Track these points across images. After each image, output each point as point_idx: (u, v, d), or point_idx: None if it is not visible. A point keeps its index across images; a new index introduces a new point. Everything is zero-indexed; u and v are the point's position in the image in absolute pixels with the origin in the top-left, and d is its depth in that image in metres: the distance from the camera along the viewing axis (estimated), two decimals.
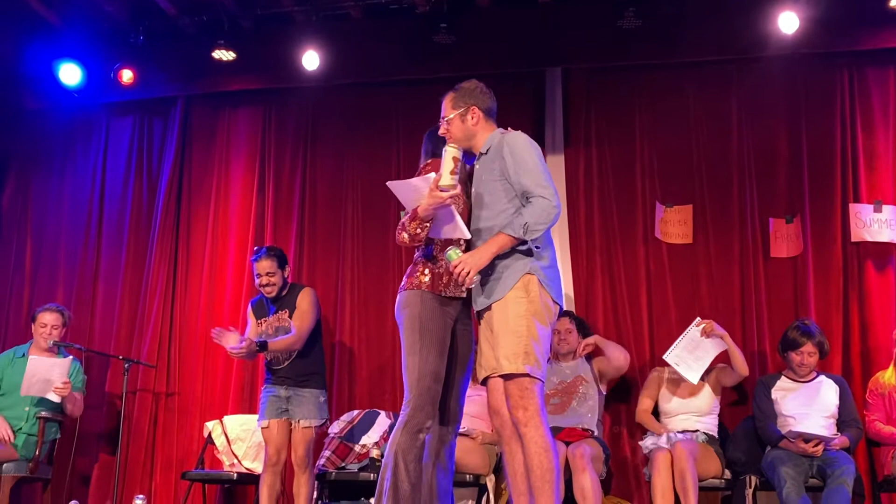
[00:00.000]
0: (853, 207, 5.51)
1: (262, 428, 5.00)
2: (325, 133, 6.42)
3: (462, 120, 3.60)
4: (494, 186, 3.50)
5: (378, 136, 6.22)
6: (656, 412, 5.23)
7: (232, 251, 6.39)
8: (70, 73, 6.35)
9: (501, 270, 3.42)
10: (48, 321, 5.50)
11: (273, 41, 6.22)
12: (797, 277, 5.57)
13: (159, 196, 6.49)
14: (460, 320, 3.62)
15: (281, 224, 6.34)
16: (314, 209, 6.31)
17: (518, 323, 3.37)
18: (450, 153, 3.41)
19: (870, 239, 5.44)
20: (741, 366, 5.00)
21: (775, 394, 4.99)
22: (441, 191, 3.34)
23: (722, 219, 5.73)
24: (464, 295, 3.57)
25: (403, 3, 5.93)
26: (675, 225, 5.75)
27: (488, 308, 3.45)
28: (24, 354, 5.51)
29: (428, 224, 3.44)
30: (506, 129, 3.64)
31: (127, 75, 6.23)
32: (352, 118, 6.35)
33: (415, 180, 3.45)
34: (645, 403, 5.23)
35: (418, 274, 3.55)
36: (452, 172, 3.37)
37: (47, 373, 5.25)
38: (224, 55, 6.14)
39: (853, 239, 5.48)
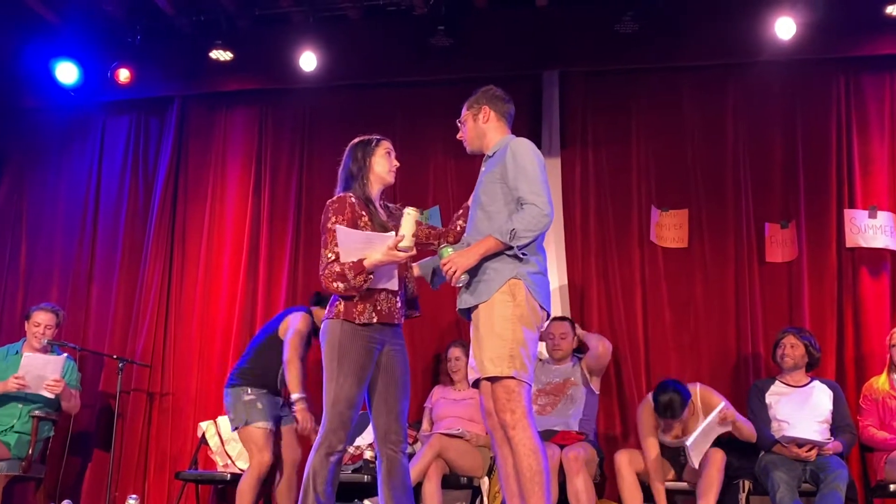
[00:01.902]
0: (848, 213, 5.52)
1: (256, 429, 4.99)
2: (321, 134, 6.40)
3: (474, 119, 3.71)
4: (493, 189, 3.54)
5: None
6: None
7: (227, 251, 6.37)
8: (67, 72, 6.33)
9: (489, 272, 3.45)
10: (42, 321, 5.48)
11: (270, 41, 6.21)
12: (792, 282, 5.58)
13: (155, 196, 6.48)
14: (389, 342, 3.67)
15: (277, 225, 6.33)
16: (310, 210, 6.29)
17: (503, 326, 3.39)
18: (412, 216, 3.53)
19: (864, 245, 5.45)
20: (750, 437, 4.84)
21: (769, 398, 5.00)
22: (400, 251, 3.46)
23: (717, 223, 5.74)
24: (374, 321, 3.60)
25: (401, 5, 5.92)
26: (670, 229, 5.76)
27: (475, 308, 3.49)
28: (17, 352, 5.48)
29: (372, 276, 3.52)
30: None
31: (124, 74, 6.21)
32: (349, 119, 6.31)
33: (370, 234, 3.55)
34: (652, 451, 4.88)
35: (337, 303, 3.64)
36: (414, 235, 3.51)
37: (41, 369, 5.24)
38: (221, 55, 6.13)
39: (848, 244, 5.49)
